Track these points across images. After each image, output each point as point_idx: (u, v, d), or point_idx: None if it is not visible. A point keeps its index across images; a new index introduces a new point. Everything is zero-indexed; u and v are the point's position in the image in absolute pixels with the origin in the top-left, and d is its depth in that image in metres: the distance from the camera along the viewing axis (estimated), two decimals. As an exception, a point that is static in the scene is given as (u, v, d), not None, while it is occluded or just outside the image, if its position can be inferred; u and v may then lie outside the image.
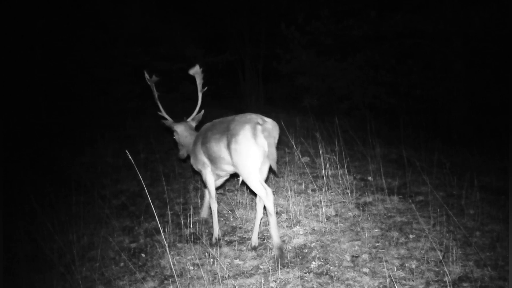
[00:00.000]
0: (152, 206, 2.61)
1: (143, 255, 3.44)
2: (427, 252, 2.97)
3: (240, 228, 3.69)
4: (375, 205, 3.87)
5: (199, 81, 3.77)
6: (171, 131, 3.72)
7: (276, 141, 3.09)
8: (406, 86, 8.69)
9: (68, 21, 9.18)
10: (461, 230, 3.20)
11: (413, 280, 2.66)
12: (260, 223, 3.32)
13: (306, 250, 3.18)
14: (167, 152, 6.50)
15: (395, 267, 2.83)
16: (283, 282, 2.78)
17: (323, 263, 2.97)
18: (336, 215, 3.74)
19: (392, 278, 2.68)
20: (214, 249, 3.30)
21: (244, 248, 3.33)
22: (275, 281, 2.81)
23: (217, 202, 3.96)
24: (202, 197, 4.40)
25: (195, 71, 3.74)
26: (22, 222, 4.06)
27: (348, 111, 9.23)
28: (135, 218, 4.21)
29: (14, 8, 8.21)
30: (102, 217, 4.15)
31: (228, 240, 3.50)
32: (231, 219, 3.89)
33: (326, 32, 9.16)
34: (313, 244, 3.25)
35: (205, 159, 3.37)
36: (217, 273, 2.93)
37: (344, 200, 3.96)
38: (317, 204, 3.93)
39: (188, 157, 3.70)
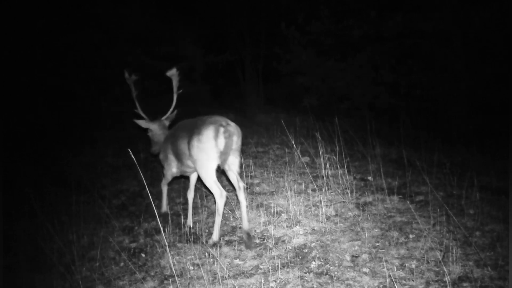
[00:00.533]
0: (153, 206, 2.61)
1: (143, 255, 3.44)
2: (427, 252, 2.97)
3: (240, 228, 3.69)
4: (375, 205, 3.87)
5: (175, 83, 3.93)
6: (145, 129, 3.91)
7: (237, 144, 3.31)
8: (406, 86, 8.69)
9: (68, 21, 9.18)
10: (461, 230, 3.20)
11: (413, 280, 2.66)
12: (247, 213, 3.42)
13: (306, 250, 3.18)
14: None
15: (395, 267, 2.83)
16: (283, 282, 2.78)
17: (323, 263, 2.97)
18: (336, 215, 3.74)
19: (392, 278, 2.68)
20: (214, 249, 3.30)
21: (244, 248, 3.33)
22: (275, 281, 2.81)
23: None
24: (202, 198, 4.40)
25: (172, 73, 3.91)
26: (22, 222, 4.06)
27: (348, 111, 9.23)
28: (135, 218, 4.21)
29: (14, 8, 8.21)
30: (102, 217, 4.15)
31: (228, 240, 3.50)
32: (231, 219, 3.89)
33: (326, 32, 9.16)
34: (313, 244, 3.25)
35: (172, 156, 3.61)
36: (217, 273, 2.93)
37: (344, 200, 3.96)
38: (317, 204, 3.93)
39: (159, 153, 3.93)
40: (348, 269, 2.87)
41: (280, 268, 2.94)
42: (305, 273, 2.87)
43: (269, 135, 7.01)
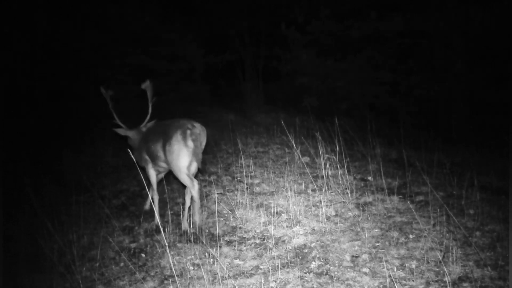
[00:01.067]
0: (153, 206, 2.61)
1: (143, 255, 3.44)
2: (427, 252, 2.98)
3: (240, 228, 3.69)
4: (375, 205, 3.87)
5: (149, 94, 4.20)
6: (125, 137, 4.24)
7: (203, 144, 3.73)
8: (406, 86, 8.69)
9: (68, 21, 9.18)
10: (461, 230, 3.20)
11: (413, 280, 2.66)
12: (188, 211, 3.80)
13: (306, 250, 3.18)
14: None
15: (395, 267, 2.83)
16: (283, 282, 2.78)
17: (323, 263, 2.97)
18: (336, 215, 3.74)
19: (392, 278, 2.68)
20: (214, 249, 3.31)
21: (244, 248, 3.33)
22: (275, 281, 2.81)
23: (218, 202, 4.09)
24: (202, 198, 4.40)
25: (146, 85, 4.20)
26: (22, 222, 4.06)
27: (348, 111, 9.22)
28: (135, 218, 4.21)
29: (14, 8, 8.21)
30: (102, 217, 4.15)
31: (228, 240, 3.50)
32: (231, 219, 3.89)
33: (326, 32, 9.16)
34: (313, 244, 3.25)
35: (147, 157, 3.93)
36: (217, 273, 2.93)
37: (344, 200, 3.96)
38: (317, 204, 3.93)
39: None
40: (348, 269, 2.87)
41: (280, 268, 2.94)
42: (305, 273, 2.87)
43: (269, 135, 7.00)
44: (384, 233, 3.32)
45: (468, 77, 8.15)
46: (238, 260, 3.16)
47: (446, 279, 2.62)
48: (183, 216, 3.81)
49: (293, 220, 3.67)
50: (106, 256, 3.46)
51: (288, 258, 3.08)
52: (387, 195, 4.02)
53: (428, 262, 2.85)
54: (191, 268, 3.11)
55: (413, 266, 2.82)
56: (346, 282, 2.73)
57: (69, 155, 6.38)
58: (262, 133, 7.38)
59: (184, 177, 3.58)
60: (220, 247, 3.35)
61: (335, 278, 2.78)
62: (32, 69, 8.67)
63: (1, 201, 3.71)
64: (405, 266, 2.85)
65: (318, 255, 3.08)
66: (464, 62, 8.22)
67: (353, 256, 3.03)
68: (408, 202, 3.87)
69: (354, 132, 5.98)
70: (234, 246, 3.37)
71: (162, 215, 4.10)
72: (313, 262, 2.99)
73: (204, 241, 3.48)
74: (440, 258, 2.86)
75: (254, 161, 5.44)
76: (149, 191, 3.57)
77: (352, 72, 9.28)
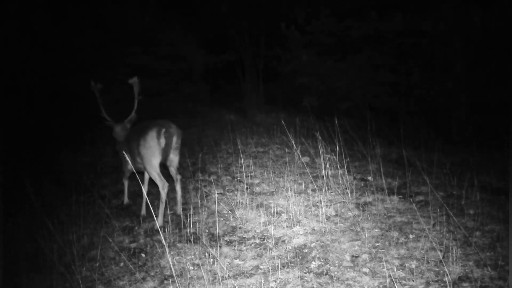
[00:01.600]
0: (153, 206, 2.61)
1: (143, 255, 3.44)
2: (427, 252, 2.97)
3: (240, 228, 3.69)
4: (375, 205, 3.87)
5: (136, 90, 4.38)
6: (111, 130, 4.45)
7: (177, 143, 4.01)
8: (406, 86, 8.68)
9: (68, 21, 9.18)
10: (461, 230, 3.20)
11: (413, 280, 2.66)
12: (165, 208, 3.99)
13: (306, 250, 3.18)
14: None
15: (395, 267, 2.83)
16: (283, 282, 2.78)
17: (323, 263, 2.97)
18: (336, 215, 3.74)
19: (392, 278, 2.68)
20: (214, 249, 3.31)
21: (244, 248, 3.33)
22: (275, 281, 2.81)
23: (218, 202, 4.12)
24: (202, 198, 4.40)
25: (133, 81, 4.37)
26: (22, 222, 4.06)
27: (348, 111, 9.22)
28: (135, 218, 4.21)
29: (14, 8, 8.21)
30: (102, 217, 4.15)
31: (228, 240, 3.50)
32: (231, 219, 3.89)
33: (326, 32, 9.16)
34: (313, 244, 3.25)
35: (127, 152, 4.13)
36: (217, 273, 2.93)
37: (344, 200, 3.96)
38: (317, 204, 3.93)
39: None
40: (348, 269, 2.87)
41: (280, 268, 2.94)
42: (305, 273, 2.87)
43: (269, 135, 7.01)
44: (384, 233, 3.32)
45: (468, 77, 8.15)
46: (238, 260, 3.16)
47: (446, 279, 2.62)
48: (158, 212, 3.99)
49: (293, 220, 3.67)
50: (106, 256, 3.46)
51: (288, 258, 3.08)
52: (387, 195, 4.02)
53: (428, 262, 2.85)
54: (191, 268, 3.11)
55: (413, 266, 2.82)
56: (346, 282, 2.73)
57: (69, 155, 6.39)
58: (262, 133, 7.38)
59: (154, 175, 3.86)
60: (220, 247, 3.35)
61: (335, 278, 2.78)
62: (32, 69, 8.67)
63: (1, 201, 3.71)
64: (405, 266, 2.85)
65: (318, 255, 3.08)
66: (464, 62, 8.22)
67: (353, 256, 3.03)
68: (408, 202, 3.87)
69: (354, 132, 5.98)
70: (234, 246, 3.37)
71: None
72: (313, 262, 2.99)
73: (204, 241, 3.48)
74: (440, 258, 2.86)
75: (254, 161, 5.44)
76: (124, 180, 4.20)
77: (352, 72, 9.27)
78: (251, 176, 4.90)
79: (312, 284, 2.73)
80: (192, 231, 3.70)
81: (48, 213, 4.13)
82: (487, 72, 7.99)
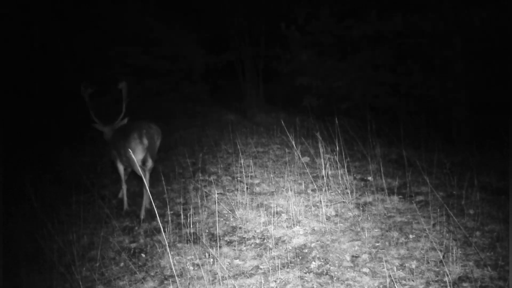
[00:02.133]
0: (153, 206, 2.61)
1: (143, 255, 3.44)
2: (427, 252, 2.97)
3: (240, 228, 3.69)
4: (375, 205, 3.87)
5: (124, 94, 4.60)
6: (101, 132, 4.68)
7: (157, 141, 4.37)
8: (406, 86, 8.68)
9: (68, 21, 9.18)
10: (461, 230, 3.20)
11: (413, 280, 2.66)
12: (146, 203, 4.29)
13: (306, 250, 3.18)
14: (167, 152, 6.50)
15: (395, 267, 2.83)
16: (283, 282, 2.78)
17: (323, 263, 2.97)
18: (336, 215, 3.74)
19: (392, 278, 2.68)
20: (214, 249, 3.31)
21: (244, 248, 3.33)
22: (275, 281, 2.81)
23: (218, 202, 4.12)
24: (202, 198, 4.41)
25: (122, 85, 4.61)
26: (22, 222, 4.06)
27: (348, 111, 9.21)
28: (135, 218, 4.21)
29: (14, 8, 8.21)
30: (102, 217, 4.15)
31: (228, 240, 3.50)
32: (231, 219, 3.89)
33: (326, 32, 9.15)
34: (313, 244, 3.25)
35: (115, 152, 4.42)
36: (217, 273, 2.93)
37: (344, 200, 3.96)
38: (317, 204, 3.93)
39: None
40: (348, 269, 2.87)
41: (280, 268, 2.94)
42: (305, 273, 2.87)
43: (269, 135, 7.01)
44: (384, 233, 3.32)
45: (468, 77, 8.15)
46: (238, 260, 3.16)
47: (446, 279, 2.62)
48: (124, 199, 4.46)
49: (293, 220, 3.67)
50: (106, 256, 3.46)
51: (288, 258, 3.07)
52: (387, 195, 4.02)
53: (428, 262, 2.85)
54: (191, 268, 3.11)
55: (413, 266, 2.82)
56: (346, 282, 2.73)
57: (69, 155, 6.39)
58: (262, 133, 7.38)
59: (137, 169, 4.18)
60: (220, 247, 3.35)
61: (335, 278, 2.78)
62: (32, 69, 8.67)
63: (1, 201, 3.71)
64: (405, 266, 2.85)
65: (318, 255, 3.08)
66: (464, 62, 8.21)
67: (353, 256, 3.03)
68: (408, 202, 3.86)
69: (354, 132, 5.98)
70: (234, 246, 3.37)
71: (162, 215, 4.10)
72: (313, 262, 2.99)
73: (204, 241, 3.48)
74: (440, 258, 2.86)
75: (254, 161, 5.44)
76: (122, 183, 4.41)
77: (352, 72, 9.26)
78: (251, 176, 4.90)
79: (312, 284, 2.73)
80: (192, 231, 3.70)
81: (48, 213, 4.14)
82: (487, 72, 7.99)
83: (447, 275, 2.65)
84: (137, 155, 4.11)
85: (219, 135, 7.24)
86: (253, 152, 5.95)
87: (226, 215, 3.97)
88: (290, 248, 3.24)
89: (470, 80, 8.09)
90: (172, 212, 4.19)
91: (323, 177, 4.37)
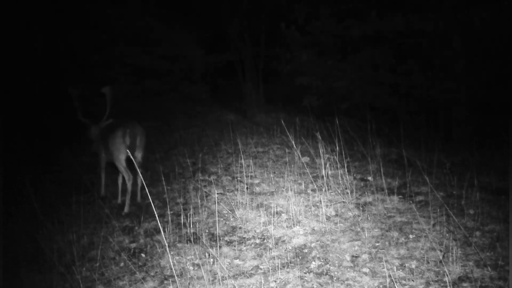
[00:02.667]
0: (153, 206, 2.61)
1: (143, 255, 3.44)
2: (427, 252, 2.98)
3: (240, 228, 3.69)
4: (375, 205, 3.87)
5: (108, 98, 4.82)
6: (88, 130, 4.95)
7: (141, 141, 4.54)
8: (406, 86, 8.68)
9: (68, 21, 9.18)
10: (461, 230, 3.20)
11: (413, 280, 2.66)
12: (130, 194, 4.50)
13: (306, 250, 3.18)
14: (167, 152, 6.50)
15: (395, 267, 2.83)
16: (283, 282, 2.78)
17: (323, 263, 2.97)
18: (336, 215, 3.74)
19: (392, 278, 2.68)
20: (214, 249, 3.31)
21: (244, 248, 3.33)
22: (275, 281, 2.81)
23: (218, 202, 4.13)
24: (202, 198, 4.41)
25: (106, 89, 4.84)
26: (22, 222, 4.06)
27: (348, 111, 9.21)
28: (135, 218, 4.21)
29: (14, 8, 8.21)
30: (102, 217, 4.15)
31: (228, 240, 3.50)
32: (231, 219, 3.89)
33: (326, 32, 9.15)
34: (313, 244, 3.25)
35: (101, 147, 4.72)
36: (217, 273, 2.93)
37: (344, 200, 3.96)
38: (317, 204, 3.93)
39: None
40: (348, 269, 2.87)
41: (280, 268, 2.94)
42: (305, 273, 2.87)
43: (269, 135, 7.01)
44: (384, 233, 3.32)
45: (468, 77, 8.15)
46: (238, 260, 3.16)
47: (446, 279, 2.62)
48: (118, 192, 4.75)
49: (293, 220, 3.67)
50: (106, 256, 3.46)
51: (288, 258, 3.08)
52: (387, 195, 4.02)
53: (428, 262, 2.85)
54: (191, 268, 3.11)
55: (413, 266, 2.82)
56: (346, 282, 2.73)
57: (69, 155, 6.38)
58: (262, 133, 7.38)
59: (121, 169, 4.46)
60: (220, 247, 3.35)
61: (335, 278, 2.78)
62: (32, 69, 8.67)
63: (1, 201, 3.71)
64: (405, 266, 2.85)
65: (318, 255, 3.08)
66: (464, 62, 8.21)
67: (353, 256, 3.03)
68: (408, 202, 3.86)
69: (354, 132, 5.98)
70: (234, 246, 3.37)
71: (162, 215, 4.10)
72: (313, 262, 2.99)
73: (204, 241, 3.48)
74: (440, 258, 2.86)
75: (254, 161, 5.44)
76: (101, 171, 4.84)
77: (352, 72, 9.26)
78: (251, 176, 4.90)
79: (312, 284, 2.73)
80: (192, 231, 3.70)
81: (48, 213, 4.14)
82: (487, 72, 7.98)
83: (447, 275, 2.65)
84: (121, 152, 4.39)
85: (219, 135, 7.24)
86: (253, 152, 5.96)
87: (226, 215, 3.97)
88: (290, 248, 3.24)
89: (470, 80, 8.09)
90: (172, 212, 4.19)
91: (323, 177, 4.37)
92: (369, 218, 3.60)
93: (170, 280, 2.99)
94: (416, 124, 7.43)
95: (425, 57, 8.72)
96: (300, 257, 3.09)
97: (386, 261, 2.91)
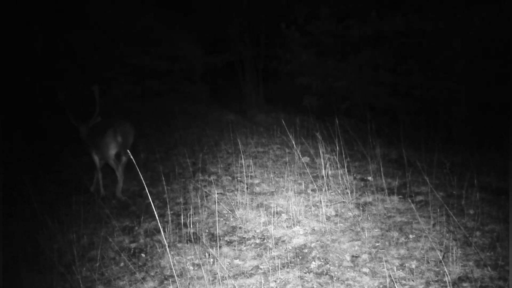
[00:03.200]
0: (153, 206, 2.62)
1: (143, 255, 3.44)
2: (427, 252, 2.98)
3: (240, 228, 3.69)
4: (375, 205, 3.87)
5: (96, 96, 4.94)
6: (77, 130, 5.06)
7: (130, 138, 4.82)
8: (406, 86, 8.69)
9: (67, 21, 9.18)
10: (461, 230, 3.20)
11: (413, 280, 2.66)
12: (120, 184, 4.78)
13: (306, 250, 3.18)
14: (167, 152, 6.51)
15: (395, 267, 2.83)
16: (283, 282, 2.78)
17: (323, 263, 2.97)
18: (336, 215, 3.74)
19: (392, 278, 2.69)
20: (214, 249, 3.31)
21: (244, 248, 3.33)
22: (275, 281, 2.81)
23: (218, 202, 4.12)
24: (202, 198, 4.41)
25: (94, 88, 4.95)
26: (22, 222, 4.06)
27: (348, 111, 9.22)
28: (135, 218, 4.21)
29: (14, 8, 8.21)
30: (102, 217, 4.15)
31: (228, 240, 3.50)
32: (231, 219, 3.89)
33: (326, 32, 9.16)
34: (313, 244, 3.25)
35: (92, 147, 4.88)
36: (217, 273, 2.93)
37: (344, 200, 3.96)
38: (317, 204, 3.93)
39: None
40: (348, 269, 2.87)
41: (280, 268, 2.94)
42: (305, 273, 2.87)
43: (269, 135, 7.01)
44: (384, 233, 3.32)
45: (468, 77, 8.15)
46: (238, 260, 3.16)
47: (446, 279, 2.62)
48: (99, 184, 4.95)
49: (293, 220, 3.67)
50: (106, 256, 3.46)
51: (288, 258, 3.08)
52: (387, 195, 4.02)
53: (428, 262, 2.85)
54: (191, 268, 3.11)
55: (413, 266, 2.82)
56: (346, 282, 2.73)
57: (69, 155, 6.38)
58: (262, 133, 7.38)
59: (111, 162, 4.75)
60: (220, 247, 3.35)
61: (335, 278, 2.78)
62: (33, 69, 8.67)
63: (1, 201, 3.71)
64: (405, 266, 2.85)
65: (318, 255, 3.08)
66: (464, 62, 8.22)
67: (353, 256, 3.03)
68: (408, 202, 3.86)
69: (354, 132, 5.98)
70: (234, 246, 3.37)
71: (162, 215, 4.10)
72: (313, 262, 3.00)
73: (204, 241, 3.48)
74: (440, 258, 2.86)
75: (254, 161, 5.44)
76: (98, 171, 4.94)
77: (352, 72, 9.28)
78: (251, 176, 4.90)
79: (312, 284, 2.73)
80: (192, 231, 3.70)
81: (48, 213, 4.13)
82: (487, 72, 7.99)
83: (447, 275, 2.66)
84: (111, 149, 4.65)
85: (219, 135, 7.23)
86: (253, 152, 5.96)
87: (226, 215, 3.97)
88: (290, 248, 3.24)
89: (470, 80, 8.10)
90: (172, 212, 4.19)
91: (323, 177, 4.37)
92: (369, 218, 3.60)
93: (170, 280, 2.99)
94: (416, 124, 7.44)
95: (425, 57, 8.73)
96: (300, 257, 3.09)
97: (386, 261, 2.91)
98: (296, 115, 8.31)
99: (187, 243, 3.49)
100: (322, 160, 4.46)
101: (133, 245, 3.63)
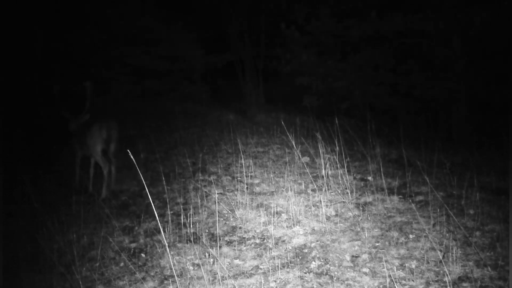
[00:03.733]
0: (153, 206, 2.61)
1: (143, 255, 3.44)
2: (427, 252, 2.98)
3: (240, 228, 3.69)
4: (375, 205, 3.87)
5: (88, 93, 5.04)
6: (68, 124, 5.18)
7: (115, 135, 4.95)
8: (406, 86, 8.69)
9: (67, 21, 9.18)
10: (461, 230, 3.20)
11: (413, 280, 2.66)
12: (106, 182, 4.87)
13: (306, 250, 3.18)
14: (167, 152, 6.50)
15: (395, 267, 2.83)
16: (283, 282, 2.78)
17: (323, 263, 2.97)
18: (336, 215, 3.74)
19: (392, 278, 2.69)
20: (214, 249, 3.31)
21: (244, 248, 3.33)
22: (275, 281, 2.81)
23: (218, 202, 4.12)
24: (202, 198, 4.41)
25: (87, 84, 5.06)
26: (22, 222, 4.06)
27: (348, 111, 9.22)
28: (135, 218, 4.21)
29: (13, 8, 8.21)
30: (102, 217, 4.15)
31: (228, 240, 3.50)
32: (231, 219, 3.89)
33: (326, 32, 9.17)
34: (313, 244, 3.25)
35: (77, 142, 5.05)
36: (217, 273, 2.93)
37: (344, 200, 3.96)
38: (317, 204, 3.93)
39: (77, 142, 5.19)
40: (348, 269, 2.87)
41: (280, 268, 2.94)
42: (305, 273, 2.87)
43: (269, 135, 7.00)
44: (384, 233, 3.32)
45: (468, 77, 8.15)
46: (238, 260, 3.16)
47: (446, 279, 2.62)
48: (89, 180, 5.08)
49: (293, 220, 3.67)
50: (106, 256, 3.46)
51: (288, 258, 3.08)
52: (387, 195, 4.02)
53: (428, 262, 2.85)
54: (191, 268, 3.11)
55: (413, 266, 2.82)
56: (346, 282, 2.73)
57: (69, 155, 6.37)
58: (262, 133, 7.38)
59: (98, 158, 4.86)
60: (220, 247, 3.35)
61: (335, 278, 2.78)
62: (33, 69, 8.67)
63: (1, 200, 3.71)
64: (405, 266, 2.85)
65: (318, 255, 3.08)
66: (464, 62, 8.22)
67: (353, 256, 3.03)
68: (408, 202, 3.86)
69: (354, 132, 5.98)
70: (234, 246, 3.37)
71: (162, 215, 4.10)
72: (313, 262, 3.00)
73: (204, 241, 3.48)
74: (440, 258, 2.86)
75: (254, 161, 5.44)
76: (76, 165, 5.14)
77: (352, 72, 9.28)
78: (251, 176, 4.90)
79: (312, 284, 2.73)
80: (192, 231, 3.70)
81: (48, 213, 4.13)
82: (487, 72, 7.99)
83: (447, 275, 2.66)
84: (96, 144, 4.80)
85: (219, 135, 7.23)
86: (253, 152, 5.96)
87: (226, 215, 3.97)
88: (290, 248, 3.24)
89: (470, 80, 8.10)
90: (172, 212, 4.19)
91: (323, 177, 4.37)
92: (369, 218, 3.60)
93: (170, 280, 2.99)
94: (416, 124, 7.44)
95: (425, 57, 8.73)
96: (300, 257, 3.09)
97: (386, 261, 2.91)
98: (296, 115, 8.31)
99: (187, 243, 3.49)
100: (322, 160, 4.46)
101: (133, 245, 3.63)
